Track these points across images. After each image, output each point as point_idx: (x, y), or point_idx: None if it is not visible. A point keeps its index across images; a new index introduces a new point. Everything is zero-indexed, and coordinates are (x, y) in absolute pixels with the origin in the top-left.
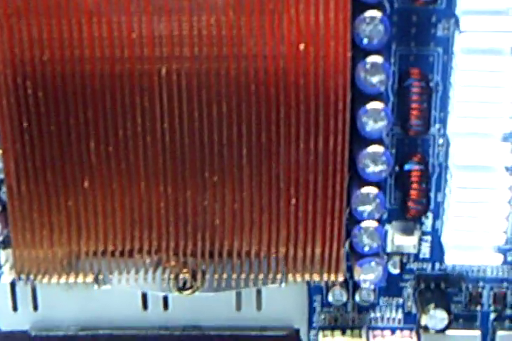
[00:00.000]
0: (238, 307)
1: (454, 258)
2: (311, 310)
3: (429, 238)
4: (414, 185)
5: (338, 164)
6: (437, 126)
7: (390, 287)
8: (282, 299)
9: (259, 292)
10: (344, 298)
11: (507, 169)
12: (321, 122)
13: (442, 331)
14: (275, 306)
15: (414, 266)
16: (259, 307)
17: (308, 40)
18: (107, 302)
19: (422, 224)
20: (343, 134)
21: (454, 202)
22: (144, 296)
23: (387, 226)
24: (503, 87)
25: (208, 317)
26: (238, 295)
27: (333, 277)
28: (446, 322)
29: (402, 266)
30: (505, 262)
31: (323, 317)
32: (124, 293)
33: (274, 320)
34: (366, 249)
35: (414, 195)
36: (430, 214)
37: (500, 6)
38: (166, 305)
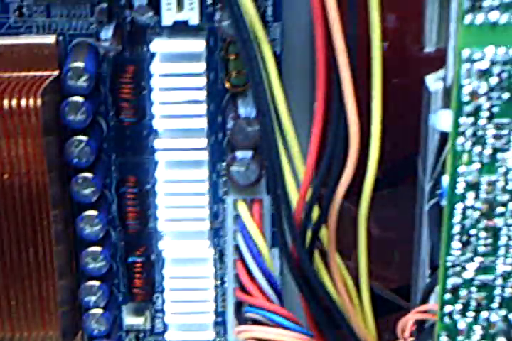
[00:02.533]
0: None
1: (173, 337)
2: None
3: (161, 315)
4: (138, 275)
5: (48, 271)
6: (157, 222)
7: None
8: None
9: None
10: None
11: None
12: (29, 238)
13: None
14: None
15: (151, 338)
16: None
17: (12, 170)
18: None
19: (154, 303)
20: (50, 246)
21: (168, 290)
22: None
23: (123, 307)
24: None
25: None
26: None
27: None
28: None
29: (140, 340)
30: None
31: None
32: None
33: None
34: (95, 332)
35: (138, 283)
36: (161, 295)
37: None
38: None
